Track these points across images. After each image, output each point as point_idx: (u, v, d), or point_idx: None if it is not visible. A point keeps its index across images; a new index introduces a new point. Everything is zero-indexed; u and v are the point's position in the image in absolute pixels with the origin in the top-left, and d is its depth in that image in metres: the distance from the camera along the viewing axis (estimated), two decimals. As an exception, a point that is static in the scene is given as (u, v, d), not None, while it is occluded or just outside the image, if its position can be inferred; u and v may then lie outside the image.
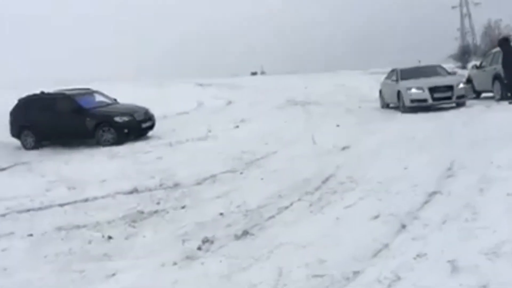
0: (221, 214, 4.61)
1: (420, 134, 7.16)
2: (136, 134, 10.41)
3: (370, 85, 17.51)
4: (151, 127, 10.88)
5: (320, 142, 7.91)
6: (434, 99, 10.58)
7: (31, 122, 10.50)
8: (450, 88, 10.67)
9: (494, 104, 10.36)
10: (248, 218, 4.36)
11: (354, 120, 10.82)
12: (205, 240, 3.93)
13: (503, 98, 10.96)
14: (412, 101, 10.73)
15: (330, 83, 23.43)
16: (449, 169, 4.82)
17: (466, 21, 43.90)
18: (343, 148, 7.06)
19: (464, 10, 45.60)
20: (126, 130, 10.13)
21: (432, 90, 10.56)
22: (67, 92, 11.07)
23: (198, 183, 6.20)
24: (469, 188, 4.04)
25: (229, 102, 20.64)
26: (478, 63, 13.68)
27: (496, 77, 11.38)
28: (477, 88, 13.01)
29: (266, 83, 27.29)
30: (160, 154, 8.56)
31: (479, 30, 38.46)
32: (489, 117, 8.17)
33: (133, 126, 10.27)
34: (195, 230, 4.24)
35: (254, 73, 44.45)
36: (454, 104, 10.74)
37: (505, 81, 11.13)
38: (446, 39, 35.82)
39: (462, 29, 46.40)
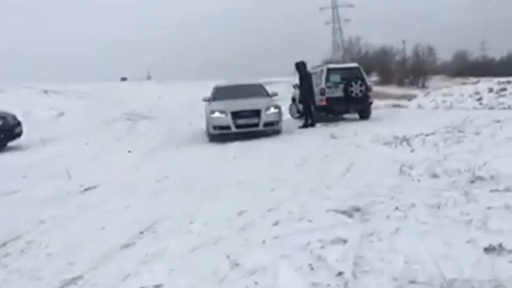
0: None
1: (176, 175, 6.28)
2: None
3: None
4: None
5: (78, 177, 6.67)
6: (237, 126, 9.35)
7: None
8: (257, 113, 9.42)
9: (295, 130, 10.25)
10: None
11: (154, 145, 9.90)
12: None
13: (306, 123, 10.99)
14: (215, 127, 9.50)
15: (188, 94, 22.59)
16: (142, 232, 3.94)
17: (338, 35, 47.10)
18: (88, 189, 5.92)
19: (336, 25, 49.13)
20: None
21: (236, 115, 9.34)
22: None
23: None
24: (120, 274, 3.13)
25: (61, 114, 18.81)
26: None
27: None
28: (299, 108, 13.04)
29: (124, 91, 25.60)
30: None
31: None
32: (270, 148, 7.79)
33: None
34: None
35: (124, 79, 42.40)
36: (269, 132, 9.68)
37: (302, 106, 11.25)
38: (324, 53, 37.65)
39: (333, 43, 49.72)
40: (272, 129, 9.78)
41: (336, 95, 11.65)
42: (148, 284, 2.87)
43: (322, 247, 3.09)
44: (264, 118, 9.52)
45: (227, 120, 9.43)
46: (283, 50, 60.81)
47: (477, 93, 18.55)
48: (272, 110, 9.73)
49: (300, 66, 11.14)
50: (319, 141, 7.90)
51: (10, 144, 10.57)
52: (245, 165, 6.48)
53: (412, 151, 6.13)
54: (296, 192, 4.62)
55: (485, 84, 21.03)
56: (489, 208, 3.54)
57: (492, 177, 4.32)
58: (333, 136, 8.24)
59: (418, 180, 4.63)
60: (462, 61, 35.97)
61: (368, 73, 32.14)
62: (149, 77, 44.97)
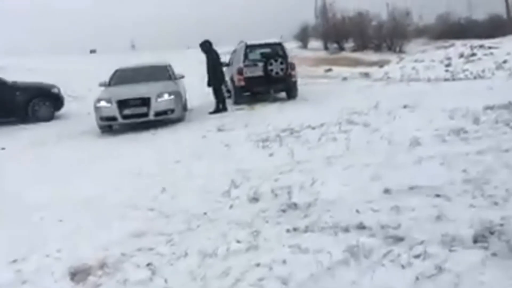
0: None
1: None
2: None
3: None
4: None
5: None
6: (124, 116, 8.31)
7: None
8: (146, 101, 8.33)
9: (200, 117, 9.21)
10: None
11: (42, 138, 8.69)
12: None
13: (218, 108, 9.95)
14: (102, 118, 8.43)
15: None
16: None
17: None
18: None
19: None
20: None
21: (122, 104, 8.27)
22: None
23: None
24: None
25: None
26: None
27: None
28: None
29: (79, 67, 23.54)
30: None
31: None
32: (134, 148, 6.78)
33: None
34: None
35: (93, 51, 40.23)
36: (167, 120, 8.54)
37: (212, 87, 10.18)
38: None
39: (315, 10, 46.53)
40: (168, 119, 8.69)
41: (256, 75, 10.62)
42: None
43: None
44: (154, 107, 8.46)
45: (113, 109, 8.37)
46: (271, 14, 56.33)
47: (448, 58, 17.53)
48: (166, 97, 8.60)
49: (204, 47, 9.98)
50: (198, 136, 6.88)
51: None
52: (81, 176, 5.44)
53: (271, 154, 5.19)
54: (77, 228, 3.67)
55: (457, 48, 19.86)
56: (257, 265, 2.65)
57: (308, 205, 3.42)
58: (220, 129, 7.25)
59: (231, 207, 3.70)
60: (444, 24, 34.42)
61: (345, 39, 30.44)
62: (133, 47, 42.86)
